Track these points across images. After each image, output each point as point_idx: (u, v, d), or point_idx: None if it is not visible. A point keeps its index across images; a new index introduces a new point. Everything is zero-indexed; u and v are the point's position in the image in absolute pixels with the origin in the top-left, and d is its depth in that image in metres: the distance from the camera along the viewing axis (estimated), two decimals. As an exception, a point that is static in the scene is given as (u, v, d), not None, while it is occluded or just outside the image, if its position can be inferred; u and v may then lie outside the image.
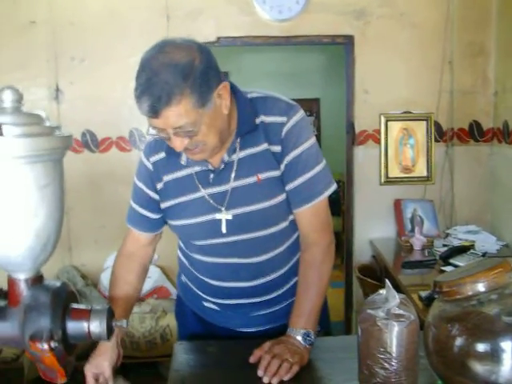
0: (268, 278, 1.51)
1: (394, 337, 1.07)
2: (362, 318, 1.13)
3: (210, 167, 1.42)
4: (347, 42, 3.41)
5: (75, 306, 1.12)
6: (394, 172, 3.58)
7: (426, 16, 3.42)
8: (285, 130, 1.38)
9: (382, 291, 1.16)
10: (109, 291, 1.58)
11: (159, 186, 1.48)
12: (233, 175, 1.40)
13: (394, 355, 1.08)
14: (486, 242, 3.25)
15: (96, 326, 1.09)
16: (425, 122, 3.53)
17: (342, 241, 3.91)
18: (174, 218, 1.50)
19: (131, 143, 3.42)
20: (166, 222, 1.56)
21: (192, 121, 1.23)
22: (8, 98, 1.02)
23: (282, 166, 1.40)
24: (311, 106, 6.43)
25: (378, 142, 3.54)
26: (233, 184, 1.40)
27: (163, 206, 1.50)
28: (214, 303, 1.58)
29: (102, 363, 1.47)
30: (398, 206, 3.56)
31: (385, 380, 1.10)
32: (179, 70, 1.20)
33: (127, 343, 3.08)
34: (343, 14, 3.38)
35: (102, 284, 3.25)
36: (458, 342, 1.02)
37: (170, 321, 3.16)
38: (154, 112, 1.21)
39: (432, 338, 1.07)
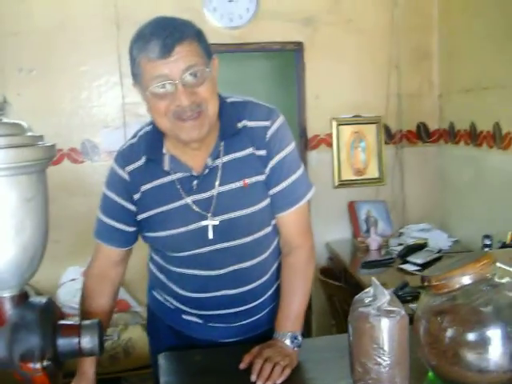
0: (252, 285, 1.49)
1: (386, 332, 1.10)
2: (353, 317, 1.15)
3: (193, 173, 1.37)
4: (297, 49, 3.46)
5: (64, 322, 1.09)
6: (347, 175, 3.65)
7: (372, 22, 3.53)
8: (269, 133, 1.38)
9: (369, 289, 1.19)
10: (80, 314, 1.48)
11: (136, 196, 1.41)
12: (218, 181, 1.37)
13: (386, 350, 1.10)
14: (439, 239, 3.37)
15: (87, 342, 1.06)
16: (375, 125, 3.63)
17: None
18: (154, 230, 1.42)
19: (83, 154, 3.34)
20: (138, 235, 1.49)
21: (202, 63, 1.25)
22: (-12, 108, 0.98)
23: (267, 170, 1.39)
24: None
25: (330, 145, 3.60)
26: (218, 189, 1.37)
27: (141, 217, 1.42)
28: (195, 315, 1.53)
29: None
30: (351, 207, 3.63)
31: (379, 375, 1.12)
32: (189, 22, 1.28)
33: (104, 358, 2.99)
34: (292, 21, 3.43)
35: (59, 300, 3.14)
36: (449, 333, 1.05)
37: (132, 334, 3.10)
38: (167, 48, 1.19)
39: (423, 331, 1.10)
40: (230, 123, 1.37)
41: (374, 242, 3.35)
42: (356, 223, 3.58)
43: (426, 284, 1.10)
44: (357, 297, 1.19)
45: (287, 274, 1.47)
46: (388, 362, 1.11)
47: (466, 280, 1.07)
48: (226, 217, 1.38)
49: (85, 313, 1.46)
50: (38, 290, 3.25)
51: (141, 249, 3.04)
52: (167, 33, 1.20)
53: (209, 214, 1.38)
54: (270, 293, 1.54)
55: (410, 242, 3.31)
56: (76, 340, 1.05)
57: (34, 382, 1.00)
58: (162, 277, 1.56)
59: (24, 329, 1.01)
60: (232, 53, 3.51)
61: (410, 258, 2.98)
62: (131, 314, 3.20)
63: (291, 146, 1.43)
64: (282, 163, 1.40)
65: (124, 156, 1.43)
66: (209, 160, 1.37)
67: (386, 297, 1.12)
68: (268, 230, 1.46)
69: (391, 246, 3.37)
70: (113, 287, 1.51)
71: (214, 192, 1.38)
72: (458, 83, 3.44)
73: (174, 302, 1.56)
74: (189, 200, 1.38)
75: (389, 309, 1.12)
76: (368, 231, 3.48)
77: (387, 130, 3.64)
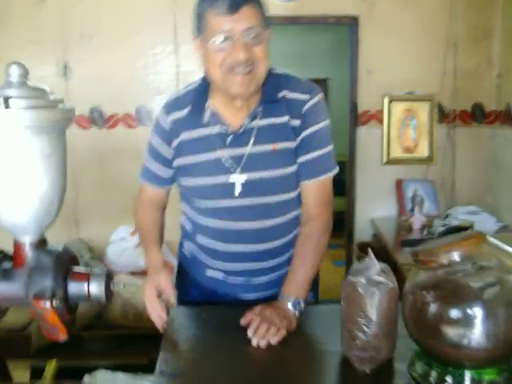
0: (271, 244, 1.58)
1: (372, 302, 1.14)
2: (344, 285, 1.20)
3: (230, 130, 1.49)
4: (352, 23, 3.43)
5: (76, 268, 1.20)
6: (396, 152, 3.62)
7: (431, -2, 3.44)
8: (306, 106, 1.50)
9: (367, 260, 1.23)
10: (141, 234, 1.71)
11: (175, 142, 1.54)
12: (251, 141, 1.49)
13: (372, 319, 1.15)
14: (485, 223, 3.29)
15: (95, 288, 1.18)
16: (428, 103, 3.56)
17: (345, 220, 3.97)
18: (186, 176, 1.56)
19: (138, 120, 3.48)
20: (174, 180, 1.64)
21: (261, 27, 1.38)
22: (15, 72, 1.09)
23: (298, 140, 1.50)
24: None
25: (381, 122, 3.57)
26: (250, 149, 1.49)
27: (176, 163, 1.56)
28: (217, 270, 1.64)
29: (162, 279, 1.54)
30: (399, 185, 3.61)
31: (364, 343, 1.17)
32: None
33: (130, 315, 3.17)
34: (349, -6, 3.40)
35: (108, 257, 3.34)
36: (432, 308, 1.08)
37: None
38: (234, 7, 1.32)
39: (408, 305, 1.13)
40: (272, 91, 1.49)
41: (417, 220, 3.33)
42: (402, 201, 3.57)
43: (414, 259, 1.14)
44: (353, 266, 1.24)
45: (301, 241, 1.54)
46: (373, 331, 1.16)
47: (453, 257, 1.09)
48: (252, 175, 1.50)
49: (146, 229, 1.68)
50: (89, 247, 3.47)
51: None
52: None
53: (237, 170, 1.49)
54: (288, 254, 1.62)
55: (456, 223, 3.26)
56: (85, 285, 1.17)
57: (45, 319, 1.12)
58: (191, 227, 1.68)
59: (39, 271, 1.13)
60: (286, 25, 3.53)
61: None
62: (174, 275, 3.35)
63: (325, 123, 1.53)
64: (314, 135, 1.51)
65: (169, 105, 1.58)
66: (246, 120, 1.49)
67: (376, 268, 1.16)
68: (291, 195, 1.56)
69: (435, 226, 3.33)
70: (161, 210, 1.72)
71: (245, 150, 1.49)
72: (519, 63, 3.31)
73: (199, 256, 1.67)
74: (221, 154, 1.50)
75: (378, 280, 1.16)
76: (413, 210, 3.46)
77: (441, 108, 3.57)
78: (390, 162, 3.63)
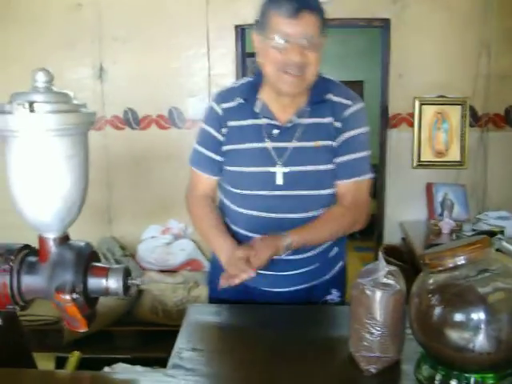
0: None
1: (379, 304, 1.17)
2: (353, 286, 1.23)
3: (277, 123, 1.59)
4: (383, 26, 3.43)
5: (96, 264, 1.26)
6: (427, 156, 3.60)
7: None
8: (348, 111, 1.60)
9: (377, 262, 1.25)
10: (204, 229, 1.71)
11: (225, 129, 1.63)
12: (297, 135, 1.59)
13: (378, 321, 1.18)
14: (517, 228, 3.25)
15: (113, 283, 1.23)
16: (460, 107, 3.53)
17: (375, 223, 3.96)
18: (231, 164, 1.64)
19: (170, 121, 3.56)
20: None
21: (318, 34, 1.47)
22: (40, 78, 1.15)
23: (338, 141, 1.60)
24: (355, 89, 6.42)
25: (411, 125, 3.56)
26: (295, 143, 1.59)
27: (225, 148, 1.64)
28: None
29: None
30: (429, 189, 3.59)
31: (371, 344, 1.20)
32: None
33: (160, 311, 3.25)
34: (380, -3, 3.40)
35: (139, 254, 3.43)
36: (437, 311, 1.10)
37: (202, 292, 3.32)
38: (296, 11, 1.42)
39: (414, 307, 1.15)
40: (320, 93, 1.60)
41: (446, 225, 3.30)
42: (431, 205, 3.54)
43: (421, 262, 1.15)
44: (363, 269, 1.27)
45: (324, 213, 1.62)
46: (380, 332, 1.18)
47: (458, 261, 1.11)
48: (294, 168, 1.59)
49: (207, 222, 1.70)
50: (121, 244, 3.56)
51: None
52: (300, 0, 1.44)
53: (280, 162, 1.58)
54: (318, 249, 1.68)
55: (486, 228, 3.23)
56: (104, 280, 1.23)
57: (66, 311, 1.18)
58: (227, 220, 1.74)
59: (61, 265, 1.20)
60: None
61: (478, 245, 2.91)
62: (203, 274, 3.42)
63: (364, 129, 1.63)
64: (353, 139, 1.61)
65: (221, 95, 1.68)
66: (294, 117, 1.59)
67: (384, 270, 1.18)
68: (326, 191, 1.63)
69: (464, 230, 3.30)
70: (214, 203, 1.76)
71: (290, 144, 1.59)
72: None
73: None
74: (267, 145, 1.60)
75: (385, 282, 1.18)
76: (442, 214, 3.44)
77: (473, 112, 3.53)
78: (421, 165, 3.61)
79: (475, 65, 3.45)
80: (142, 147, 3.56)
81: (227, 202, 1.72)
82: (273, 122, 1.60)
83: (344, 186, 1.62)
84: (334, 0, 3.32)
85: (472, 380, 1.13)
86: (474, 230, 3.25)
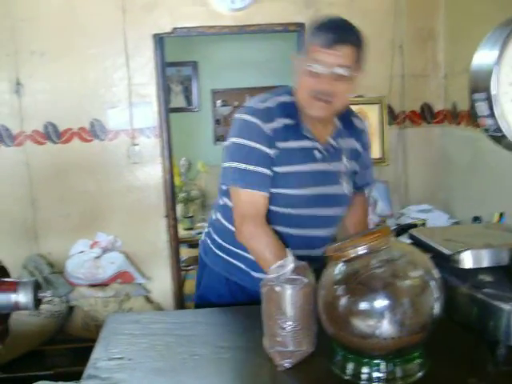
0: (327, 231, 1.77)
1: (287, 299, 1.20)
2: (262, 284, 1.25)
3: (318, 145, 1.67)
4: (299, 30, 3.50)
5: (4, 279, 1.23)
6: (350, 155, 3.69)
7: (375, 2, 3.53)
8: (364, 134, 1.82)
9: (285, 260, 1.28)
10: (269, 259, 1.47)
11: (274, 150, 1.63)
12: (338, 156, 1.72)
13: (289, 316, 1.20)
14: (438, 220, 3.38)
15: (23, 297, 1.21)
16: (377, 106, 3.65)
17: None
18: (277, 185, 1.64)
19: (92, 133, 3.49)
20: None
21: (352, 67, 1.53)
22: None
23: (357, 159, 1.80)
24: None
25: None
26: (334, 164, 1.71)
27: (275, 169, 1.64)
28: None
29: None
30: (354, 187, 3.68)
31: (284, 339, 1.22)
32: (359, 31, 1.59)
33: (92, 327, 3.19)
34: (294, 2, 3.47)
35: (67, 270, 3.34)
36: (342, 301, 1.14)
37: (134, 304, 3.28)
38: (334, 44, 1.50)
39: (321, 299, 1.19)
40: (347, 116, 1.76)
41: (370, 221, 3.39)
42: (357, 203, 3.64)
43: (324, 255, 1.19)
44: (272, 267, 1.29)
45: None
46: (291, 327, 1.21)
47: (360, 251, 1.15)
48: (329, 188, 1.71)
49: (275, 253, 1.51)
50: (49, 261, 3.47)
51: (154, 224, 3.18)
52: (340, 32, 1.53)
53: (322, 183, 1.69)
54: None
55: (409, 222, 3.35)
56: (12, 295, 1.20)
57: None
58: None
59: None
60: (234, 34, 3.59)
61: (401, 238, 3.02)
62: (134, 286, 3.38)
63: (370, 148, 1.90)
64: (366, 156, 1.85)
65: (263, 114, 1.64)
66: (331, 139, 1.71)
67: (290, 266, 1.21)
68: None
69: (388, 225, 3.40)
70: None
71: (329, 166, 1.70)
72: (463, 64, 3.41)
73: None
74: (312, 166, 1.67)
75: (293, 277, 1.21)
76: (367, 211, 3.54)
77: (390, 110, 3.66)
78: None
79: (390, 65, 3.57)
80: (65, 161, 3.48)
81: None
82: (315, 145, 1.66)
83: (359, 195, 1.92)
84: (249, 5, 3.41)
85: (382, 365, 1.17)
86: (397, 225, 3.36)
